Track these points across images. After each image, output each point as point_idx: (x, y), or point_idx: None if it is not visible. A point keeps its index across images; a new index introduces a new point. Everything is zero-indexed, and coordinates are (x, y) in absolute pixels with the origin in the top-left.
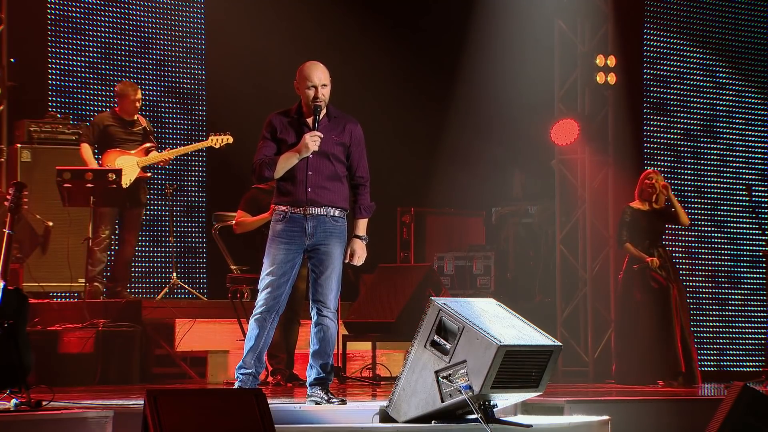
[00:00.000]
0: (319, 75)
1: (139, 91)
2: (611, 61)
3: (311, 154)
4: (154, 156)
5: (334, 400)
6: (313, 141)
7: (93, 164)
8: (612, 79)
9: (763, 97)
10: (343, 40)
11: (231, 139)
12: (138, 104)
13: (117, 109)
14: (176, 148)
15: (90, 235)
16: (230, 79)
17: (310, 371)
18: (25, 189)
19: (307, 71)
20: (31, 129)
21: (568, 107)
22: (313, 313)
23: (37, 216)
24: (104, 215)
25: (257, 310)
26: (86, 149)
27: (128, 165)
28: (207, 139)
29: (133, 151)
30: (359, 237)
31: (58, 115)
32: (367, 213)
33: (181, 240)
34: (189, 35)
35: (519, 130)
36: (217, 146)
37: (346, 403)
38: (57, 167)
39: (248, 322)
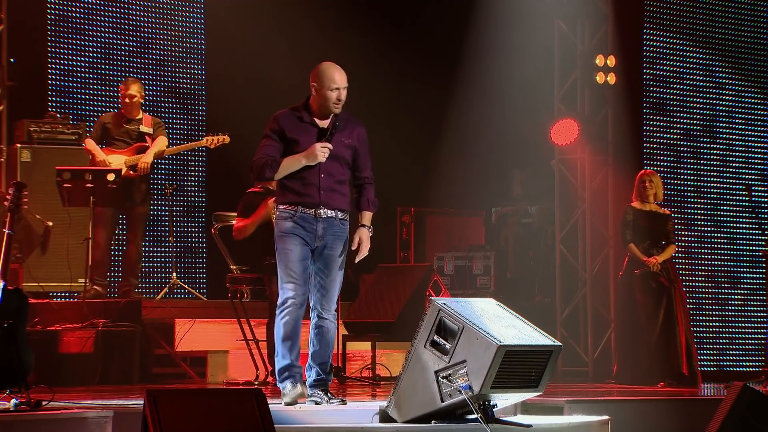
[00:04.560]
0: (343, 77)
1: (133, 86)
2: (611, 61)
3: None
4: (137, 157)
5: (334, 401)
6: (323, 153)
7: (98, 153)
8: (612, 79)
9: (762, 97)
10: (342, 40)
11: (227, 139)
12: (131, 99)
13: (122, 109)
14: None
15: (90, 236)
16: (230, 79)
17: (310, 372)
18: (24, 189)
19: (331, 73)
20: (31, 129)
21: (568, 107)
22: (314, 315)
23: (37, 216)
24: (99, 216)
25: (287, 305)
26: (89, 142)
27: (115, 164)
28: (202, 140)
29: (119, 151)
30: (366, 227)
31: (58, 115)
32: (374, 207)
33: (181, 240)
34: (189, 35)
35: (519, 129)
36: (212, 146)
37: (346, 404)
38: (57, 167)
39: (274, 327)
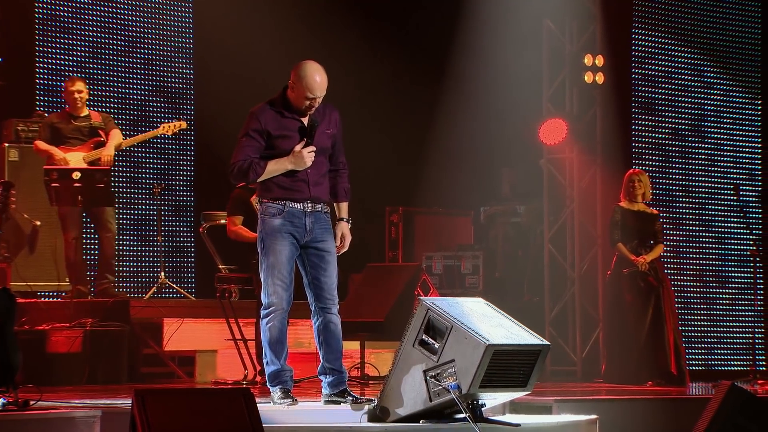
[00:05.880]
0: (323, 86)
1: (79, 83)
2: (599, 61)
3: None
4: (97, 151)
5: (360, 400)
6: (311, 158)
7: (56, 152)
8: (600, 78)
9: (750, 97)
10: (331, 39)
11: (184, 124)
12: (79, 95)
13: (67, 107)
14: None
15: (75, 236)
16: (218, 78)
17: (326, 376)
18: (12, 188)
19: (311, 81)
20: (19, 128)
21: (557, 107)
22: (321, 313)
23: (25, 215)
24: (66, 216)
25: (273, 310)
26: (40, 143)
27: (74, 161)
28: (159, 128)
29: (75, 148)
30: (345, 220)
31: (46, 114)
32: (348, 196)
33: (169, 239)
34: (177, 34)
35: (507, 129)
36: (170, 133)
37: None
38: (44, 167)
39: (261, 332)
